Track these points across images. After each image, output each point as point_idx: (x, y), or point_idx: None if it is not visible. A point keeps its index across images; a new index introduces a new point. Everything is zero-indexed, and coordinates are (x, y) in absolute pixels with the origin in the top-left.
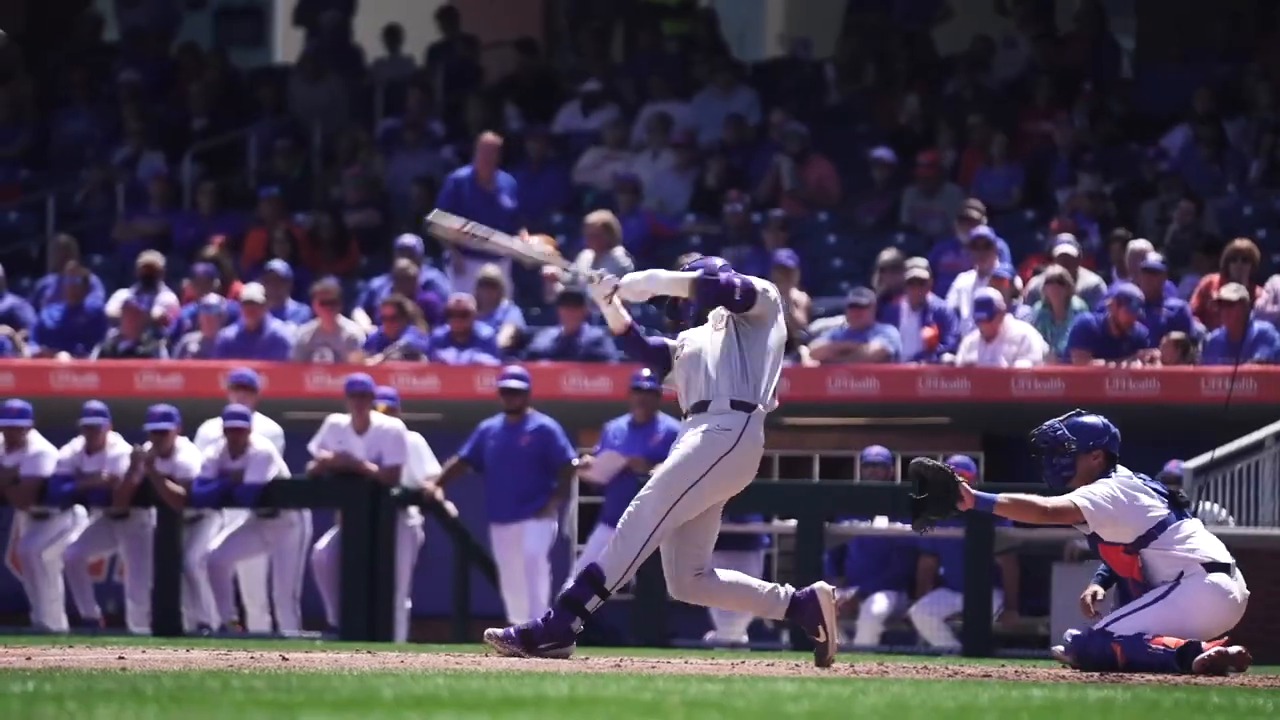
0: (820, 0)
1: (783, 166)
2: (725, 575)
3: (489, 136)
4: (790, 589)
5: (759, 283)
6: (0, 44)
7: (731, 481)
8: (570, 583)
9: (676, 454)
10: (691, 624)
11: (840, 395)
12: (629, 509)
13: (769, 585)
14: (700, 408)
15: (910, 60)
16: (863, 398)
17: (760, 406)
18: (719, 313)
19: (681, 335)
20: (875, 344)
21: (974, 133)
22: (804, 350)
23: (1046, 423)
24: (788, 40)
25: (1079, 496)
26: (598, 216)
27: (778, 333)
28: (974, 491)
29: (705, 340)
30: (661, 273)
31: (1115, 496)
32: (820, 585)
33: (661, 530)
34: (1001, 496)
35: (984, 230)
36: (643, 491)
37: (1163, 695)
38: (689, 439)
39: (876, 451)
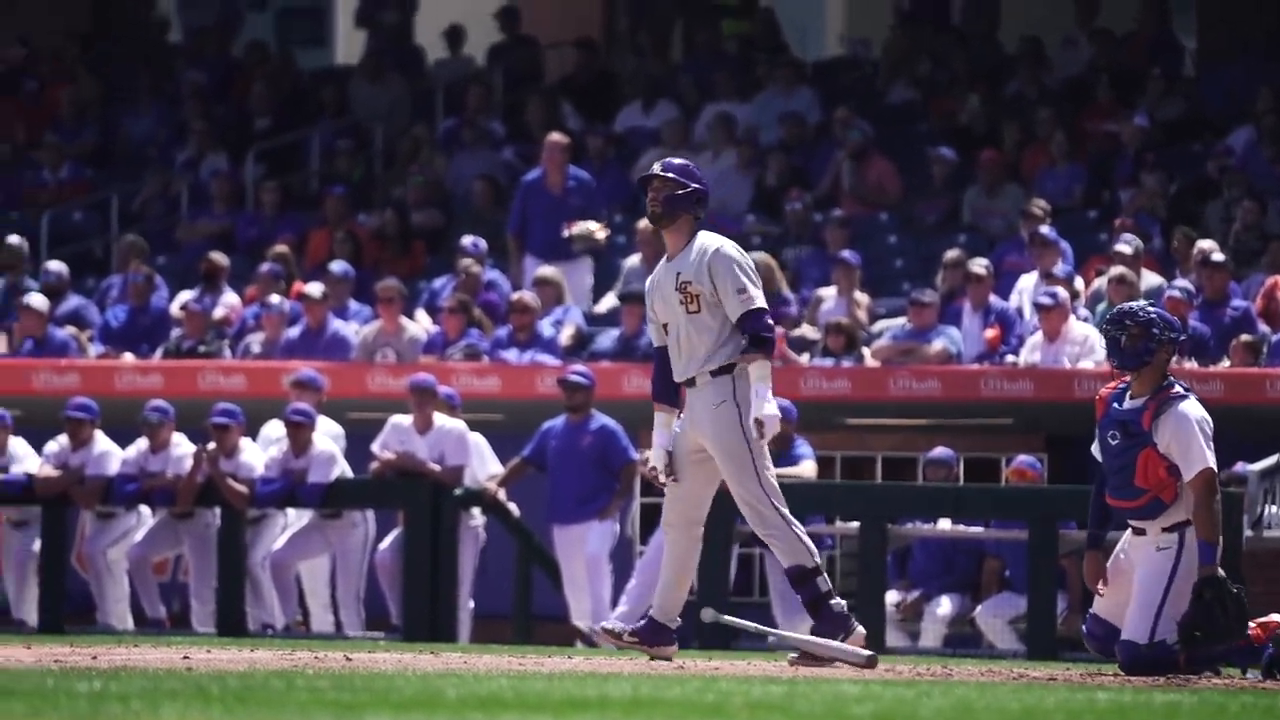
0: (879, 0)
1: (843, 165)
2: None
3: (555, 136)
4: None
5: (757, 300)
6: None
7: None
8: (798, 593)
9: (718, 450)
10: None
11: (902, 396)
12: (750, 516)
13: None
14: (691, 383)
15: (969, 60)
16: (925, 398)
17: (739, 364)
18: (683, 290)
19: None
20: (937, 344)
21: (1036, 131)
22: (865, 351)
23: (1130, 304)
24: (847, 40)
25: (1200, 461)
26: (647, 223)
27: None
28: (1203, 562)
29: (670, 314)
30: (763, 386)
31: (1207, 421)
32: (861, 630)
33: (779, 498)
34: (1203, 538)
35: (1045, 230)
36: (739, 493)
37: (1229, 699)
38: (712, 430)
39: (940, 452)
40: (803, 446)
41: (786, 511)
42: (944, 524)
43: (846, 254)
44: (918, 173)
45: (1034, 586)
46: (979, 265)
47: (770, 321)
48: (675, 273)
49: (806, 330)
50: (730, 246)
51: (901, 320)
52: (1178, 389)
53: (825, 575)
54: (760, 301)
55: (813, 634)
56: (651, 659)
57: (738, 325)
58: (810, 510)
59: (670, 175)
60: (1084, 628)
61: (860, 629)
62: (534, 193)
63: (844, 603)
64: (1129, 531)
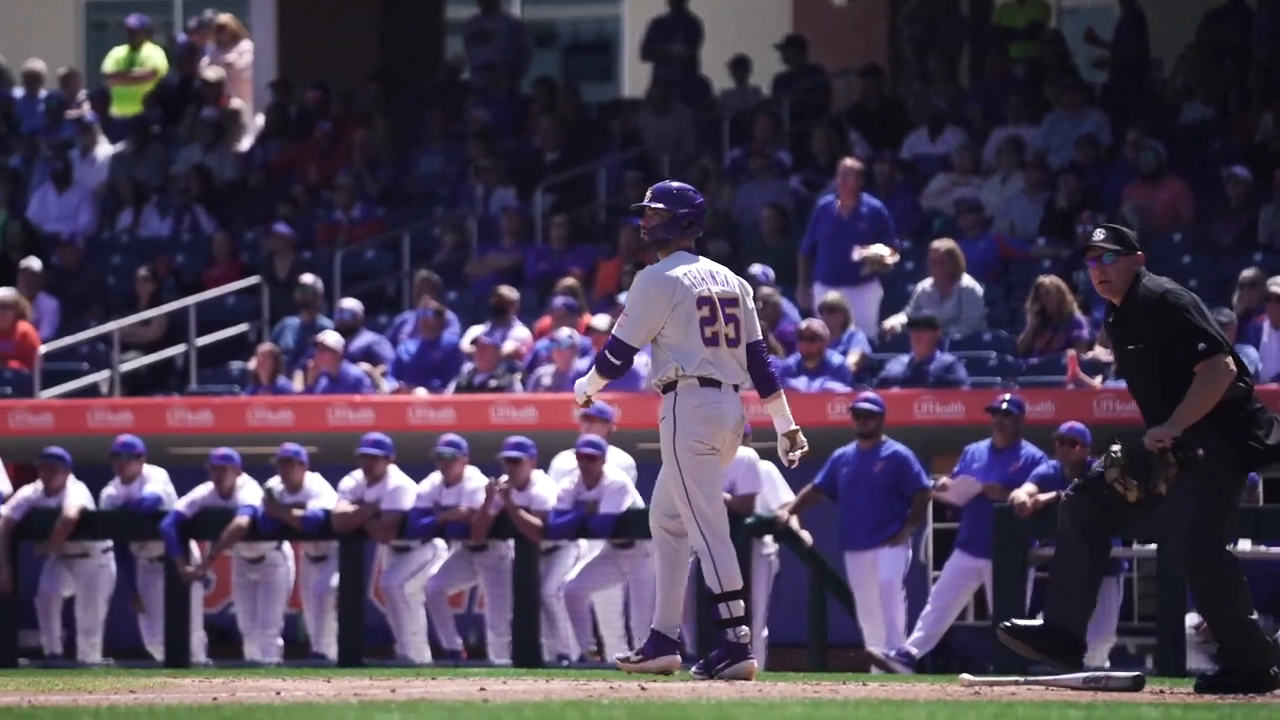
0: (1172, 20)
1: (1125, 209)
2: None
3: (849, 161)
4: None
5: (622, 330)
6: None
7: (702, 454)
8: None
9: (663, 461)
10: None
11: None
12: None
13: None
14: None
15: (1266, 77)
16: None
17: (680, 380)
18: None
19: None
20: None
21: None
22: None
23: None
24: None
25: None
26: (941, 244)
27: (667, 314)
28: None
29: None
30: (583, 381)
31: None
32: (749, 663)
33: (706, 520)
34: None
35: None
36: (677, 507)
37: None
38: (661, 443)
39: None
40: None
41: (712, 535)
42: (1244, 545)
43: None
44: (1212, 192)
45: None
46: (1277, 284)
47: (617, 346)
48: None
49: (1099, 353)
50: (647, 273)
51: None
52: None
53: (730, 604)
54: (620, 330)
55: (711, 657)
56: (656, 673)
57: None
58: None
59: (657, 206)
60: None
61: (751, 662)
62: (824, 216)
63: (744, 634)
64: None
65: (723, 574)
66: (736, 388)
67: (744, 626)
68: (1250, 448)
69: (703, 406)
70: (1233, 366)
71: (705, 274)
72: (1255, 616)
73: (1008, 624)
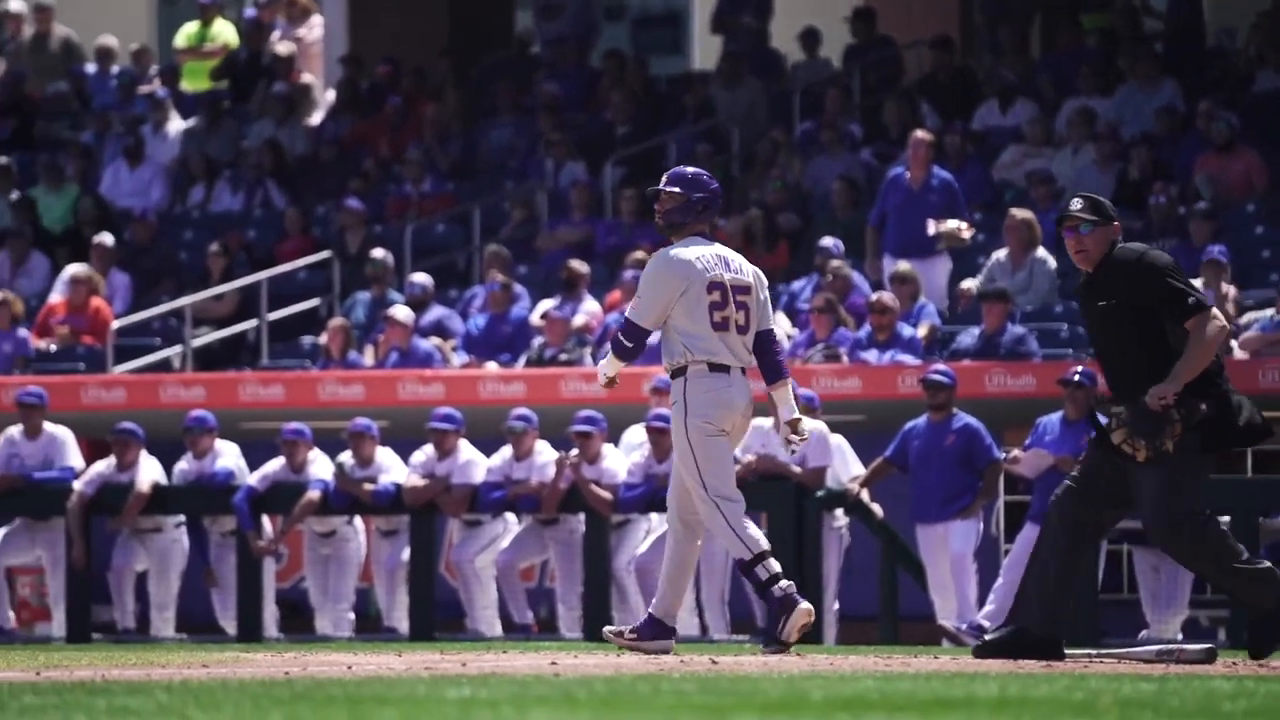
0: None
1: (1197, 179)
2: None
3: (920, 133)
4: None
5: (634, 312)
6: None
7: (712, 435)
8: (747, 581)
9: (674, 446)
10: (1123, 622)
11: (1272, 388)
12: (699, 510)
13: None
14: None
15: None
16: None
17: (690, 364)
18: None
19: None
20: None
21: None
22: (1233, 343)
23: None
24: (1212, 31)
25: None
26: (1019, 212)
27: (677, 297)
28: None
29: None
30: (603, 363)
31: None
32: (801, 609)
33: (723, 496)
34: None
35: None
36: (690, 489)
37: None
38: (671, 428)
39: None
40: None
41: (728, 509)
42: None
43: (1215, 250)
44: None
45: None
46: None
47: (629, 327)
48: None
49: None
50: (659, 256)
51: (1270, 311)
52: None
53: (765, 564)
54: (632, 312)
55: (766, 621)
56: (651, 654)
57: None
58: None
59: (673, 190)
60: None
61: (804, 605)
62: (894, 188)
63: (787, 585)
64: None
65: (748, 541)
66: (744, 372)
67: (784, 580)
68: (1216, 431)
69: (713, 391)
70: (1224, 322)
71: (718, 259)
72: (1251, 561)
73: (979, 644)
